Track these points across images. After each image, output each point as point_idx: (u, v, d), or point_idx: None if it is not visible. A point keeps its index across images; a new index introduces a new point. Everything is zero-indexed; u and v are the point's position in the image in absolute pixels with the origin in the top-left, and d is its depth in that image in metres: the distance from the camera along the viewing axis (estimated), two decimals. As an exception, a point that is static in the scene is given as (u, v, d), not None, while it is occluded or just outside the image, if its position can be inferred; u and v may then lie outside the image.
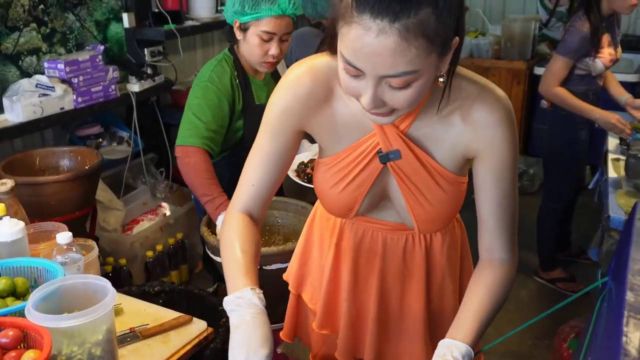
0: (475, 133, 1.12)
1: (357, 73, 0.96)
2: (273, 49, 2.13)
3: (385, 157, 1.17)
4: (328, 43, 1.11)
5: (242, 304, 1.08)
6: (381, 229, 1.32)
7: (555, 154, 3.29)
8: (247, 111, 2.24)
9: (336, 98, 1.17)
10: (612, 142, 2.98)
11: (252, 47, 2.14)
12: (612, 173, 2.64)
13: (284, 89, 1.18)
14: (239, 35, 2.17)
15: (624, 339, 0.60)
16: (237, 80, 2.22)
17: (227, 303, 1.10)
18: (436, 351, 1.10)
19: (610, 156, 2.82)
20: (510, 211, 1.19)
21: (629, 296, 0.69)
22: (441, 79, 1.02)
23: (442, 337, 1.39)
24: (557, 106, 3.12)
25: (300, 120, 1.19)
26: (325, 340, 1.50)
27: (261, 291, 1.12)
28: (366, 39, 0.90)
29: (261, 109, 2.25)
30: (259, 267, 1.94)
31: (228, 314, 1.09)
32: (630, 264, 0.77)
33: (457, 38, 0.97)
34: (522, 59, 4.69)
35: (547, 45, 5.06)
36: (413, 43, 0.89)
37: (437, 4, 0.89)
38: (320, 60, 1.17)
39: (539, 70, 4.75)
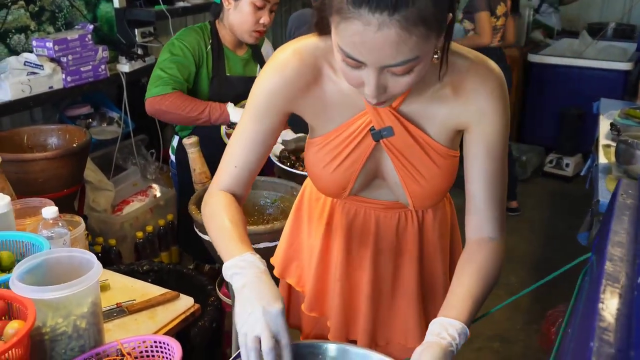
0: (467, 105, 1.12)
1: (358, 65, 0.96)
2: (265, 17, 2.20)
3: (378, 135, 1.17)
4: (316, 24, 1.10)
5: (245, 265, 1.06)
6: (374, 207, 1.31)
7: None
8: (215, 80, 2.30)
9: (325, 79, 1.16)
10: (603, 129, 2.98)
11: (244, 15, 2.19)
12: (602, 159, 2.65)
13: (271, 71, 1.17)
14: (228, 4, 2.21)
15: (599, 305, 0.61)
16: (209, 48, 2.28)
17: (227, 268, 1.07)
18: (430, 329, 1.07)
19: (602, 142, 2.83)
20: (500, 187, 1.18)
21: (608, 266, 0.69)
22: (435, 56, 1.01)
23: (435, 313, 1.37)
24: None
25: (287, 103, 1.18)
26: (316, 322, 1.49)
27: (260, 257, 1.10)
28: (367, 34, 0.89)
29: (232, 80, 2.31)
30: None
31: (228, 279, 1.07)
32: (610, 235, 0.77)
33: (450, 15, 0.97)
34: (516, 46, 4.69)
35: (540, 33, 5.06)
36: (414, 32, 0.89)
37: None
38: (306, 42, 1.16)
39: (533, 58, 4.75)
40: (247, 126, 1.21)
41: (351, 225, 1.34)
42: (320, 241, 1.38)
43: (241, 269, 1.06)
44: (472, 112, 1.13)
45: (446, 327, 1.04)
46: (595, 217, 2.38)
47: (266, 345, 0.97)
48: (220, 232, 1.15)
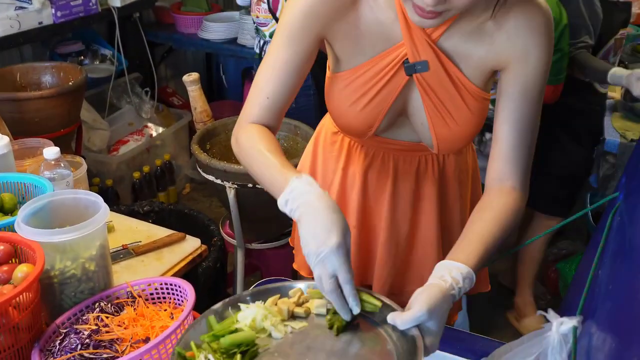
0: (508, 41, 1.05)
1: None
2: None
3: (411, 68, 1.09)
4: None
5: (295, 196, 0.97)
6: (393, 149, 1.25)
7: None
8: None
9: (362, 3, 1.09)
10: (608, 65, 2.92)
11: None
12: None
13: None
14: None
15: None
16: None
17: (282, 205, 1.00)
18: (433, 272, 1.00)
19: (606, 79, 2.77)
20: (531, 135, 1.10)
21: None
22: None
23: None
24: None
25: (323, 25, 1.09)
26: None
27: (309, 175, 1.01)
28: None
29: None
30: (252, 185, 1.91)
31: (288, 214, 1.00)
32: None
33: None
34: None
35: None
36: None
37: None
38: None
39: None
40: (279, 53, 1.12)
41: (368, 170, 1.29)
42: (337, 187, 1.33)
43: (292, 200, 0.98)
44: (513, 50, 1.05)
45: (450, 270, 0.97)
46: (601, 157, 2.35)
47: (344, 279, 0.95)
48: (262, 166, 1.08)
